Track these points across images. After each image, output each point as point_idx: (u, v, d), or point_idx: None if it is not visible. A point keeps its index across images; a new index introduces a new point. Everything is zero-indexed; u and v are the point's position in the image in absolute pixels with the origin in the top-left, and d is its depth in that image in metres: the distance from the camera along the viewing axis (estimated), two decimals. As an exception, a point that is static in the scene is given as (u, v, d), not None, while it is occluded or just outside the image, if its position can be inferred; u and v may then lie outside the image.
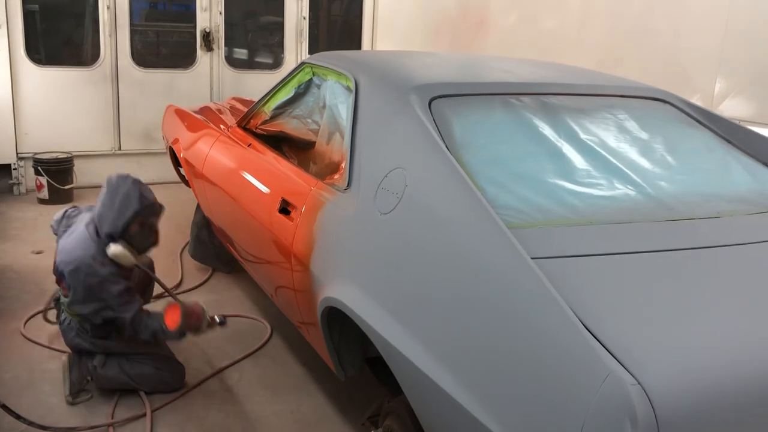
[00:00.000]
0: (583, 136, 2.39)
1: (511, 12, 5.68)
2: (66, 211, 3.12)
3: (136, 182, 2.83)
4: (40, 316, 3.56)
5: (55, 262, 2.88)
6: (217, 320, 2.97)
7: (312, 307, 2.46)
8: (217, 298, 3.98)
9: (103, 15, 5.82)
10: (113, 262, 2.77)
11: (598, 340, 1.46)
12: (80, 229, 2.82)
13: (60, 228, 3.03)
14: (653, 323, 1.58)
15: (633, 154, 2.38)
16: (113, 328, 2.91)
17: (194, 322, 2.86)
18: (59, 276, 2.84)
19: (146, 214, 2.83)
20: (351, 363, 2.55)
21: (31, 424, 2.61)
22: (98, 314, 2.80)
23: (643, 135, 2.52)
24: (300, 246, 2.53)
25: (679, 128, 2.69)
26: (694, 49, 4.11)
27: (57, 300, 3.06)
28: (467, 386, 1.68)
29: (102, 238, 2.76)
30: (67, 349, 3.05)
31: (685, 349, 1.52)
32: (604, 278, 1.74)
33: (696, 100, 3.45)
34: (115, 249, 2.74)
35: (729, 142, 2.69)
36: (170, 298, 2.98)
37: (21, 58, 5.62)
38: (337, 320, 2.37)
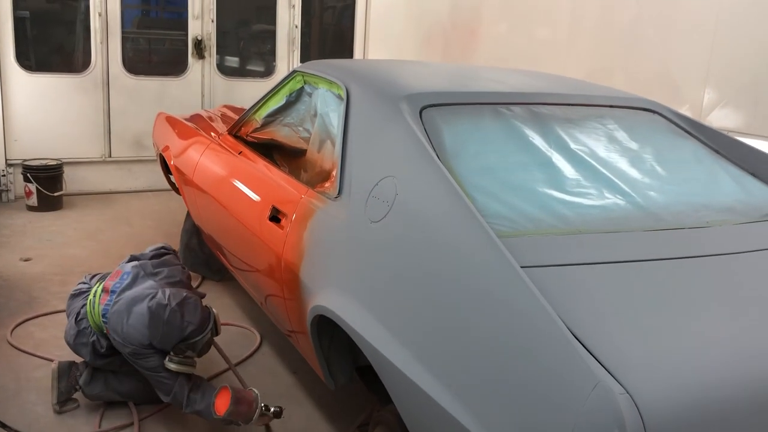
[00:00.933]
0: (572, 145, 2.40)
1: (501, 22, 5.72)
2: (162, 250, 3.03)
3: (175, 311, 2.64)
4: (26, 324, 3.53)
5: (112, 294, 2.77)
6: (271, 410, 2.75)
7: (302, 315, 2.45)
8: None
9: (95, 22, 5.81)
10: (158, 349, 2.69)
11: (587, 349, 1.47)
12: (145, 309, 2.65)
13: (143, 266, 2.89)
14: (642, 332, 1.59)
15: (622, 164, 2.40)
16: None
17: (244, 410, 2.66)
18: (104, 319, 2.73)
19: (193, 336, 2.70)
20: (341, 372, 2.54)
21: (17, 433, 2.59)
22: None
23: (633, 145, 2.54)
24: (290, 254, 2.52)
25: (668, 138, 2.71)
26: (682, 60, 4.15)
27: (76, 295, 2.93)
28: (456, 395, 1.68)
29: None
30: (54, 357, 3.03)
31: (674, 357, 1.52)
32: (593, 287, 1.75)
33: (685, 111, 3.47)
34: (171, 366, 2.66)
35: (717, 152, 2.71)
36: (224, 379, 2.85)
37: (11, 65, 5.59)
38: (327, 329, 2.36)
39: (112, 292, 2.78)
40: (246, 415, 2.67)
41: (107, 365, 2.88)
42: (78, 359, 2.95)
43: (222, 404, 2.64)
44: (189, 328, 2.66)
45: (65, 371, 2.90)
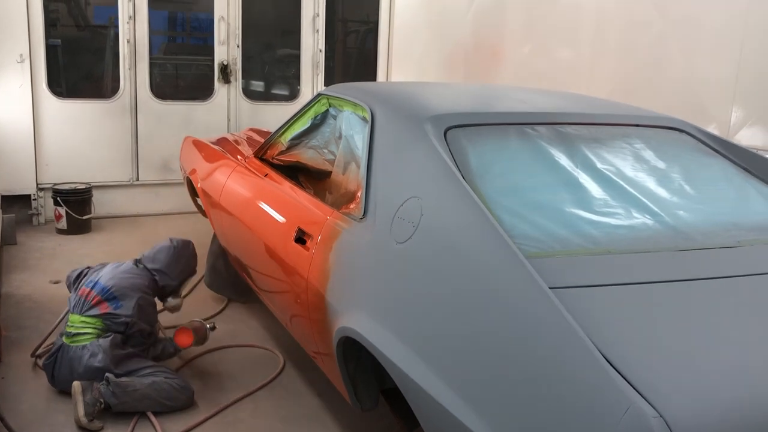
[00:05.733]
0: (599, 165, 2.38)
1: (524, 43, 5.73)
2: (84, 270, 3.49)
3: (194, 249, 3.59)
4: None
5: (95, 284, 3.22)
6: (208, 327, 3.46)
7: (328, 337, 2.45)
8: (232, 328, 3.97)
9: (123, 48, 5.94)
10: (153, 295, 3.35)
11: (618, 371, 1.44)
12: (129, 264, 3.37)
13: (82, 277, 3.41)
14: (674, 354, 1.56)
15: (650, 183, 2.37)
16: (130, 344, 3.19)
17: (201, 334, 3.39)
18: (104, 295, 3.16)
19: (194, 272, 3.63)
20: (367, 394, 2.52)
21: (45, 454, 2.60)
22: (134, 324, 3.16)
23: (660, 164, 2.51)
24: (316, 275, 2.53)
25: (696, 157, 2.68)
26: (708, 78, 4.11)
27: (53, 355, 3.17)
28: (485, 419, 1.65)
29: (158, 286, 3.38)
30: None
31: (706, 380, 1.49)
32: (623, 308, 1.72)
33: (712, 129, 3.43)
34: (175, 302, 3.53)
35: (747, 170, 2.67)
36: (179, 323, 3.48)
37: (43, 92, 5.73)
38: (353, 350, 2.35)
39: (95, 289, 3.21)
40: (203, 338, 3.40)
41: (127, 366, 3.07)
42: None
43: (186, 339, 3.29)
44: (196, 265, 3.58)
45: (88, 385, 2.95)
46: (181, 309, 3.58)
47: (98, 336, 3.09)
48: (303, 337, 2.91)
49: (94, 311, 3.13)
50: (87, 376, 3.01)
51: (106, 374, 2.97)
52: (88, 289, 3.21)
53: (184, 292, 3.69)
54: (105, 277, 3.25)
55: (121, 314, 3.12)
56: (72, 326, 3.15)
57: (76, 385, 2.94)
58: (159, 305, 3.47)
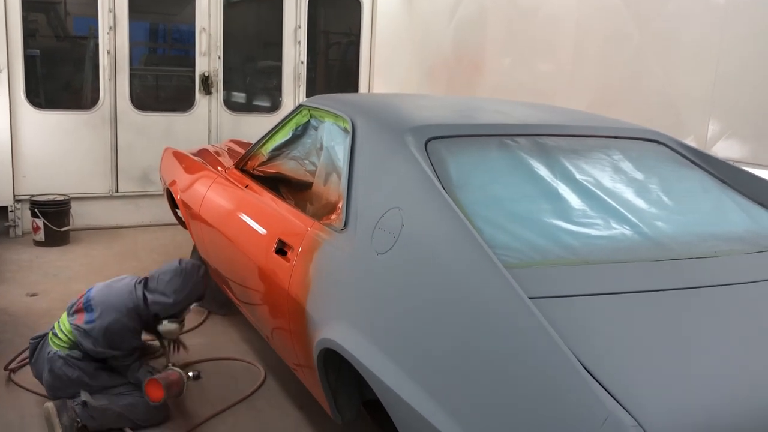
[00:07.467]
0: (578, 176, 2.40)
1: (505, 55, 5.78)
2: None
3: (205, 272, 3.26)
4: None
5: (90, 289, 3.14)
6: (191, 376, 3.23)
7: (308, 348, 2.43)
8: (212, 340, 3.93)
9: (103, 59, 5.90)
10: (140, 319, 3.08)
11: (597, 380, 1.45)
12: (129, 281, 3.14)
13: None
14: (652, 363, 1.57)
15: (628, 194, 2.40)
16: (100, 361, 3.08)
17: (176, 390, 3.04)
18: (85, 304, 3.05)
19: (201, 297, 3.29)
20: (348, 406, 2.51)
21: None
22: (98, 353, 3.02)
23: (638, 175, 2.54)
24: (296, 287, 2.52)
25: (673, 168, 2.71)
26: (686, 91, 4.17)
27: (39, 338, 3.15)
28: (466, 429, 1.65)
29: (149, 306, 3.09)
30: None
31: (684, 389, 1.50)
32: (602, 318, 1.73)
33: (689, 142, 3.48)
34: (170, 326, 3.16)
35: (723, 182, 2.71)
36: (151, 372, 3.10)
37: (21, 102, 5.67)
38: (334, 362, 2.34)
39: (87, 299, 3.10)
40: (177, 392, 3.04)
41: (101, 381, 3.02)
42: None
43: (156, 394, 2.92)
44: (204, 292, 3.25)
45: (62, 406, 2.90)
46: (178, 335, 3.27)
47: (69, 348, 3.02)
48: (284, 350, 2.89)
49: (73, 318, 3.06)
50: (57, 381, 2.99)
51: (82, 397, 2.91)
52: (84, 292, 3.15)
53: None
54: (100, 285, 3.15)
55: (87, 331, 2.97)
56: (58, 324, 3.11)
57: (50, 406, 2.90)
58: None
